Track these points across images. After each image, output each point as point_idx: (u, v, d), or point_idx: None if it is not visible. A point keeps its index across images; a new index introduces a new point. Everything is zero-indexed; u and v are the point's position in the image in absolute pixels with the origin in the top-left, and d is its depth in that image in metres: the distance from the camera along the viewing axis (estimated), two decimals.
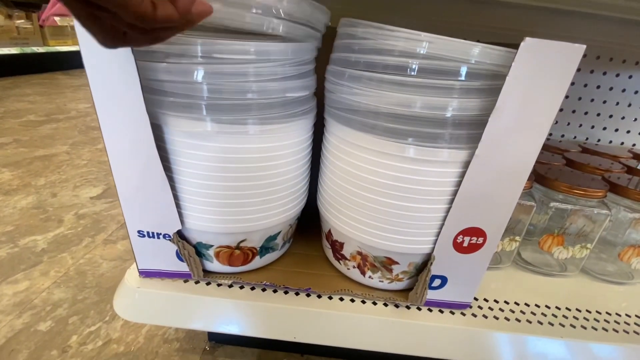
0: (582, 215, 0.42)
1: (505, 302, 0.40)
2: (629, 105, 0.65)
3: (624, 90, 0.63)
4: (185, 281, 0.38)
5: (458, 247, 0.34)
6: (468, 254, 0.34)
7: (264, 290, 0.38)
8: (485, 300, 0.40)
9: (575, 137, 0.68)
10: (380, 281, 0.38)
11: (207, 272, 0.38)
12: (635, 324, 0.39)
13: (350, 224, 0.36)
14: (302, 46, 0.31)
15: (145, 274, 0.38)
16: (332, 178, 0.36)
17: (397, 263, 0.36)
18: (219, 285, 0.38)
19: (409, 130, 0.30)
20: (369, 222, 0.34)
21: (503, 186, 0.30)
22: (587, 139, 0.69)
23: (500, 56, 0.26)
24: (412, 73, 0.28)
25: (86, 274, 0.65)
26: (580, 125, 0.67)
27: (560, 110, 0.66)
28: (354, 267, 0.39)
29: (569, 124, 0.67)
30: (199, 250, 0.37)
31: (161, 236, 0.35)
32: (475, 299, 0.40)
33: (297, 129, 0.34)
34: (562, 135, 0.68)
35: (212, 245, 0.37)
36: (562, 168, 0.48)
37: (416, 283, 0.37)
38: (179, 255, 0.36)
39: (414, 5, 0.53)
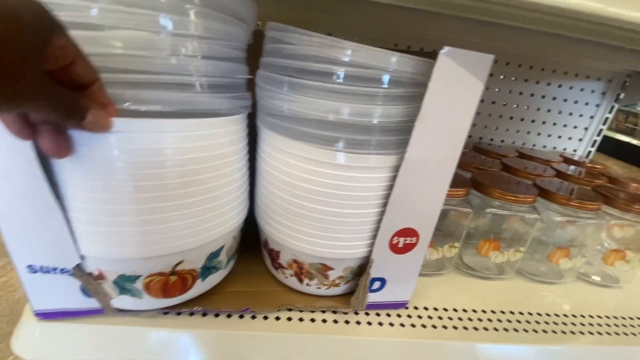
0: (516, 219, 0.44)
1: (444, 309, 0.40)
2: (559, 112, 0.69)
3: (554, 99, 0.68)
4: None
5: (394, 248, 0.34)
6: (403, 254, 0.35)
7: (191, 314, 0.35)
8: (425, 308, 0.40)
9: (513, 142, 0.72)
10: (317, 288, 0.37)
11: None
12: (562, 323, 0.41)
13: (285, 232, 0.34)
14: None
15: (44, 315, 0.31)
16: (265, 186, 0.35)
17: (332, 269, 0.36)
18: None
19: (338, 137, 0.29)
20: (302, 230, 0.33)
21: (432, 186, 0.32)
22: (523, 143, 0.72)
23: (418, 65, 0.27)
24: (338, 80, 0.28)
25: None
26: (518, 131, 0.71)
27: (500, 116, 0.69)
28: (291, 275, 0.38)
29: (507, 129, 0.70)
30: (122, 286, 0.30)
31: (58, 271, 0.29)
32: (415, 307, 0.40)
33: (234, 120, 0.31)
34: (502, 140, 0.72)
35: (139, 276, 0.30)
36: (499, 174, 0.50)
37: (356, 288, 0.37)
38: (84, 291, 0.30)
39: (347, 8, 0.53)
